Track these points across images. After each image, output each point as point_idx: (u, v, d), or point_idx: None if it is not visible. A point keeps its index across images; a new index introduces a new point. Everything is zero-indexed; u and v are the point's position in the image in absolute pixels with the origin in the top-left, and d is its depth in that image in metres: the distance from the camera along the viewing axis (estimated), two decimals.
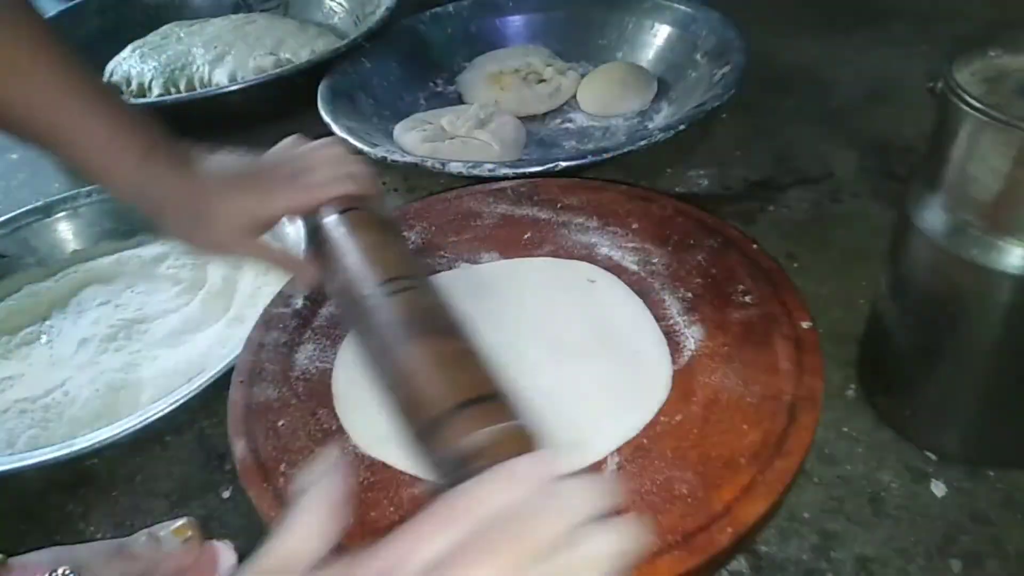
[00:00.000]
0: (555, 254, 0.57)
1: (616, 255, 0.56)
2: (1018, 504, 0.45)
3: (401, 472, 0.43)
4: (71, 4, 1.12)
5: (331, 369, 0.50)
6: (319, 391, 0.48)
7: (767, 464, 0.40)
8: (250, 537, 0.46)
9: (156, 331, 0.62)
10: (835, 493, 0.46)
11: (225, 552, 0.43)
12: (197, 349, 0.60)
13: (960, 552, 0.43)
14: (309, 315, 0.54)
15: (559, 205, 0.61)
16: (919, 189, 0.43)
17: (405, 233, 0.61)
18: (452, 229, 0.61)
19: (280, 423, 0.46)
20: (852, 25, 0.97)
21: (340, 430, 0.46)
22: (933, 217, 0.41)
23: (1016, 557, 0.43)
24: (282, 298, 0.56)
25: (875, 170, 0.73)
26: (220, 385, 0.53)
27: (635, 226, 0.58)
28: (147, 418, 0.51)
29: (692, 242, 0.56)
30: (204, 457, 0.54)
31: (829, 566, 0.43)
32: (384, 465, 0.43)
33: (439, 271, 0.57)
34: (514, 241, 0.59)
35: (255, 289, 0.65)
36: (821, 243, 0.65)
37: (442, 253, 0.59)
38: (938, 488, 0.46)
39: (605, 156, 0.69)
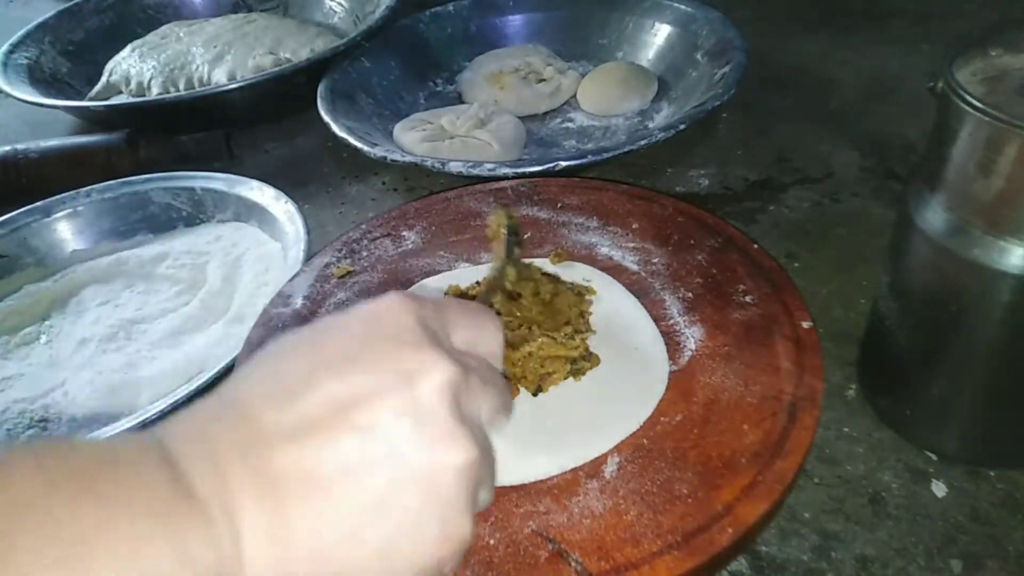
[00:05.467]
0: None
1: (616, 255, 0.56)
2: (1019, 504, 0.45)
3: None
4: (70, 4, 1.12)
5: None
6: None
7: (767, 464, 0.40)
8: None
9: (155, 331, 0.62)
10: (835, 493, 0.46)
11: None
12: (196, 349, 0.60)
13: (960, 552, 0.43)
14: (308, 315, 0.54)
15: (559, 205, 0.61)
16: (919, 188, 0.43)
17: (405, 233, 0.61)
18: (452, 229, 0.61)
19: None
20: (852, 24, 0.97)
21: None
22: (933, 217, 0.41)
23: (1016, 557, 0.42)
24: (281, 298, 0.56)
25: (875, 170, 0.73)
26: (219, 386, 0.53)
27: (635, 226, 0.58)
28: (146, 418, 0.51)
29: (692, 242, 0.55)
30: None
31: (829, 566, 0.43)
32: None
33: (439, 271, 0.57)
34: None
35: (254, 289, 0.65)
36: (821, 243, 0.65)
37: (442, 253, 0.59)
38: (938, 488, 0.46)
39: (605, 156, 0.69)
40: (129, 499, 0.20)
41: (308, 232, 0.65)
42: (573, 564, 0.38)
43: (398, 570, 0.23)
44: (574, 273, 0.55)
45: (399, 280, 0.56)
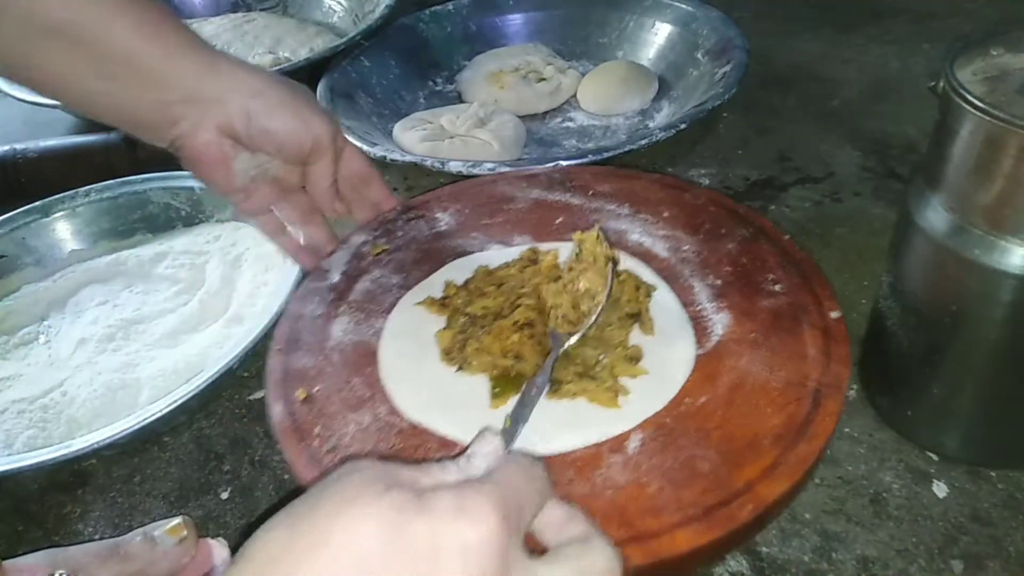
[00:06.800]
0: None
1: (647, 241, 0.56)
2: (1020, 505, 0.45)
3: (433, 438, 0.44)
4: None
5: (365, 341, 0.51)
6: (353, 361, 0.49)
7: (790, 447, 0.40)
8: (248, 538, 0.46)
9: (154, 331, 0.62)
10: (836, 494, 0.46)
11: (218, 549, 0.43)
12: (195, 349, 0.60)
13: (961, 553, 0.43)
14: (345, 289, 0.55)
15: (591, 192, 0.61)
16: (920, 188, 0.43)
17: (438, 215, 0.62)
18: (485, 212, 0.61)
19: (316, 389, 0.47)
20: (853, 24, 0.97)
21: (373, 398, 0.47)
22: (934, 216, 0.41)
23: (1017, 558, 0.42)
24: (319, 272, 0.57)
25: (876, 169, 0.73)
26: (218, 385, 0.53)
27: (666, 214, 0.58)
28: (145, 419, 0.50)
29: (723, 231, 0.56)
30: (202, 458, 0.54)
31: (830, 567, 0.43)
32: (414, 433, 0.44)
33: (471, 252, 0.58)
34: (546, 225, 0.59)
35: (253, 289, 0.64)
36: (822, 243, 0.65)
37: (474, 235, 0.59)
38: (939, 489, 0.46)
39: (606, 155, 0.68)
40: None
41: None
42: None
43: None
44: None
45: (432, 259, 0.57)
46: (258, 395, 0.58)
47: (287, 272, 0.60)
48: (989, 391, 0.44)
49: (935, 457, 0.48)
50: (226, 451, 0.54)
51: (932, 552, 0.43)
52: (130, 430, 0.50)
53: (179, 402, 0.51)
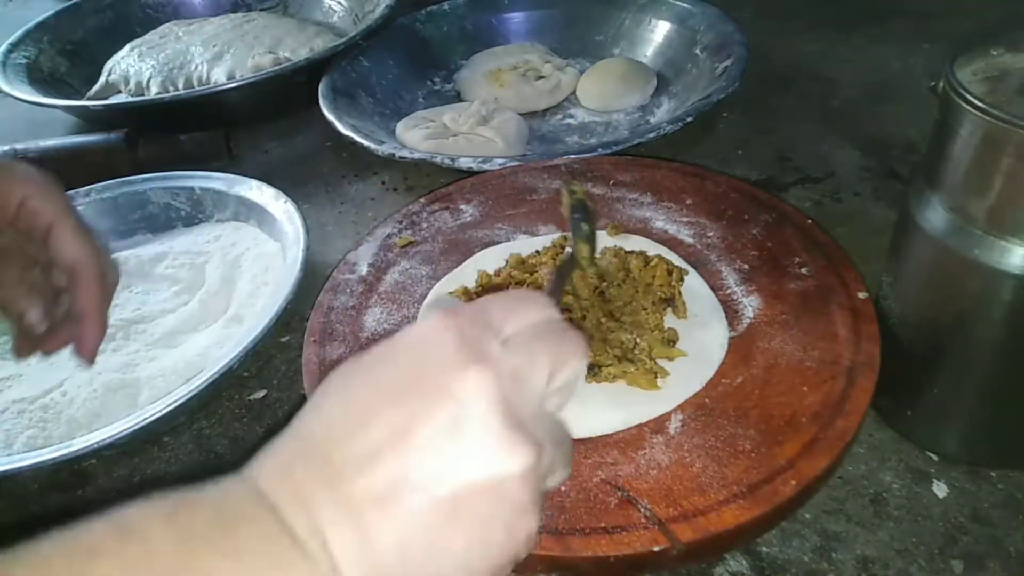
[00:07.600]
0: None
1: (671, 229, 0.57)
2: (1019, 505, 0.45)
3: None
4: (69, 3, 1.12)
5: (399, 331, 0.51)
6: None
7: (828, 423, 0.41)
8: None
9: (154, 331, 0.62)
10: (836, 494, 0.46)
11: None
12: (195, 349, 0.60)
13: (961, 553, 0.43)
14: (374, 281, 0.56)
15: (612, 181, 0.62)
16: (920, 188, 0.42)
17: (463, 206, 0.62)
18: (509, 203, 0.62)
19: None
20: (853, 23, 0.97)
21: None
22: (934, 216, 0.41)
23: (1017, 558, 0.42)
24: (347, 265, 0.58)
25: (876, 169, 0.73)
26: (218, 385, 0.53)
27: (689, 201, 0.59)
28: (145, 419, 0.50)
29: (747, 217, 0.57)
30: (202, 458, 0.54)
31: (830, 567, 0.43)
32: None
33: (498, 243, 0.58)
34: None
35: (253, 289, 0.64)
36: None
37: (500, 225, 0.60)
38: (939, 489, 0.46)
39: (616, 148, 0.69)
40: (252, 553, 0.24)
41: (307, 232, 0.64)
42: (642, 510, 0.39)
43: (476, 572, 0.26)
44: (631, 244, 0.56)
45: (459, 250, 0.58)
46: (258, 395, 0.58)
47: (287, 272, 0.60)
48: (989, 391, 0.44)
49: (935, 457, 0.48)
50: (226, 451, 0.54)
51: (932, 552, 0.43)
52: (130, 430, 0.50)
53: (179, 402, 0.51)
